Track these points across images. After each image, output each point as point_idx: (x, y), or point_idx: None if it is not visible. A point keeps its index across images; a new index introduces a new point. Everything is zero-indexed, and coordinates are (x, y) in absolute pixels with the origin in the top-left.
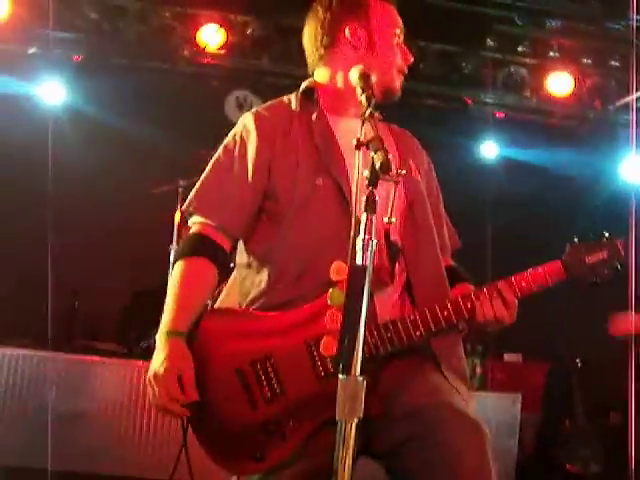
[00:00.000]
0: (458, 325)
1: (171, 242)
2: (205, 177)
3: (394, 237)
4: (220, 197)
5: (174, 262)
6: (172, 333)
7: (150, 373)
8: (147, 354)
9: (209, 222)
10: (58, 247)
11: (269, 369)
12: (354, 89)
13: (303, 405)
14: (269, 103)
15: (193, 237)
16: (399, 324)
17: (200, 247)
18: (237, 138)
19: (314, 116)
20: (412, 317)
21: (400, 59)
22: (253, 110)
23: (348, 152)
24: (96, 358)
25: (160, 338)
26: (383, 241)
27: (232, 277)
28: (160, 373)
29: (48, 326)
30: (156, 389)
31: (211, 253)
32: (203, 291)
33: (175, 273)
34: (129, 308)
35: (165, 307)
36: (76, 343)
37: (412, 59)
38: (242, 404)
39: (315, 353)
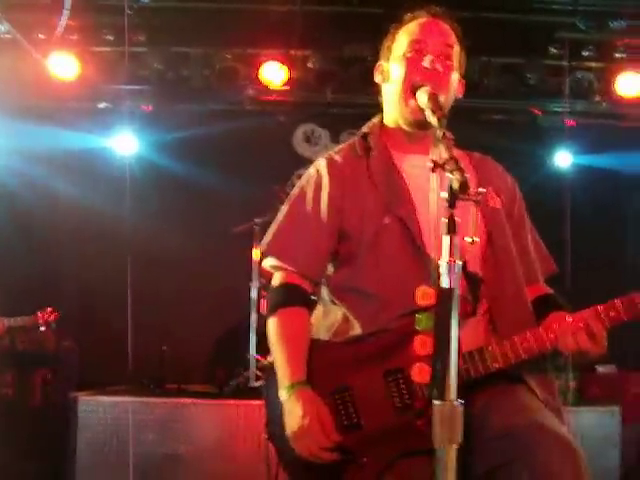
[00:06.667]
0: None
1: (251, 280)
2: (281, 220)
3: (472, 269)
4: (297, 242)
5: (268, 314)
6: (297, 384)
7: (292, 430)
8: (237, 393)
9: (290, 268)
10: (140, 293)
11: (347, 400)
12: (400, 127)
13: (380, 437)
14: (340, 147)
15: (281, 287)
16: (476, 356)
17: (291, 296)
18: (311, 182)
19: (372, 159)
20: (491, 349)
21: (411, 70)
22: (326, 155)
23: (415, 187)
24: (188, 400)
25: (286, 393)
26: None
27: (316, 310)
28: (304, 425)
29: (140, 372)
30: (304, 442)
31: (301, 299)
32: (306, 336)
33: (275, 326)
34: (215, 347)
35: (277, 362)
36: (167, 387)
37: (429, 61)
38: None
39: (392, 384)
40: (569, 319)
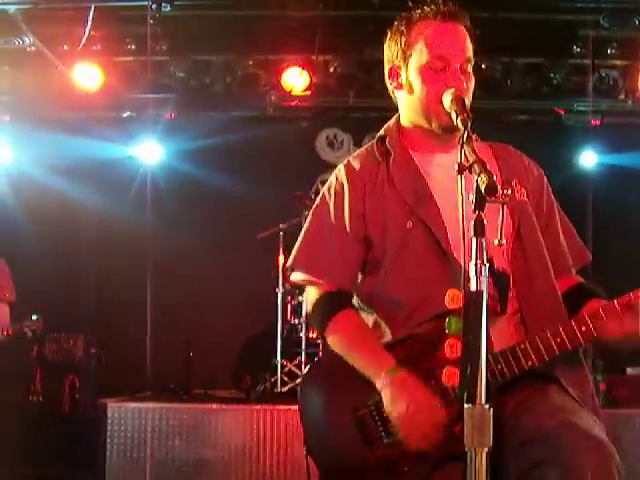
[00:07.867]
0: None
1: (277, 285)
2: (306, 233)
3: (499, 265)
4: (325, 255)
5: (322, 328)
6: (393, 370)
7: (399, 414)
8: (263, 398)
9: (321, 281)
10: (165, 300)
11: (383, 410)
12: (420, 127)
13: None
14: (358, 152)
15: (322, 298)
16: (509, 355)
17: (336, 303)
18: (332, 191)
19: (391, 162)
20: (523, 346)
21: (436, 88)
22: (344, 162)
23: (439, 188)
24: (215, 405)
25: (386, 379)
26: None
27: None
28: (411, 410)
29: (166, 378)
30: (417, 424)
31: (346, 302)
32: (370, 331)
33: (337, 334)
34: (241, 353)
35: (359, 361)
36: (194, 392)
37: (460, 82)
38: (359, 444)
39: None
40: (602, 310)
